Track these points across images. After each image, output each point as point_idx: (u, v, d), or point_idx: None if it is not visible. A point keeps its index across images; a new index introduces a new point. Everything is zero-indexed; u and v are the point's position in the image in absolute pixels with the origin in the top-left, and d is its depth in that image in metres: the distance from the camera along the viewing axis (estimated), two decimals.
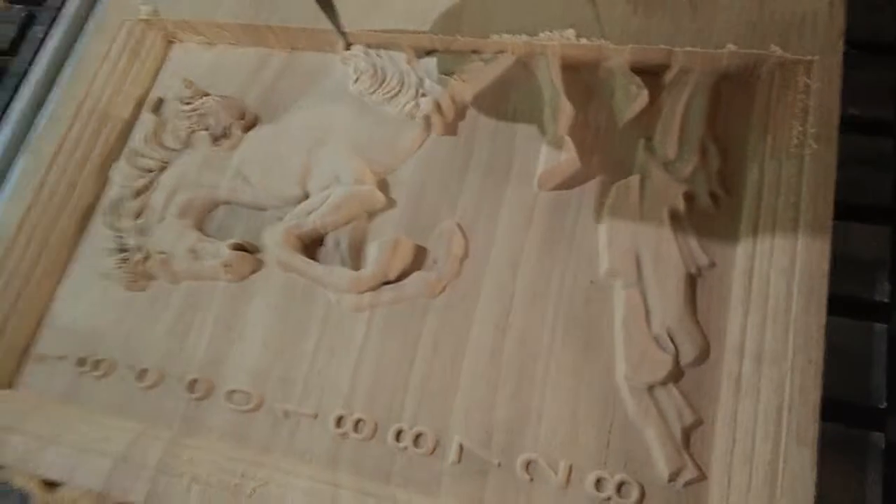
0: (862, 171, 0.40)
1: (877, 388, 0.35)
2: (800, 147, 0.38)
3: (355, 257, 0.44)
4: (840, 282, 0.37)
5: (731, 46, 0.41)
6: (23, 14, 0.63)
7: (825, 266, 0.35)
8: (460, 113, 0.47)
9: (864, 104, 0.42)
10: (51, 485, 0.41)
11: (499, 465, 0.37)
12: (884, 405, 0.35)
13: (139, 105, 0.54)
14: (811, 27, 0.41)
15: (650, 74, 0.44)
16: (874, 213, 0.39)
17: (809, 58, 0.40)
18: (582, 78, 0.45)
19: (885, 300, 0.37)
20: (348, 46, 0.48)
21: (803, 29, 0.41)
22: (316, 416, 0.40)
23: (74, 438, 0.41)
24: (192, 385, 0.42)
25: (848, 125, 0.41)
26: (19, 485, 0.41)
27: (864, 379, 0.36)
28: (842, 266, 0.38)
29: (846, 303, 0.37)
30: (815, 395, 0.33)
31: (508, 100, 0.46)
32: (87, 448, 0.40)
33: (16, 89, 0.59)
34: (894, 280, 0.37)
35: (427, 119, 0.46)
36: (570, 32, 0.44)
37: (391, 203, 0.45)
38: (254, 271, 0.45)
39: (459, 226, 0.43)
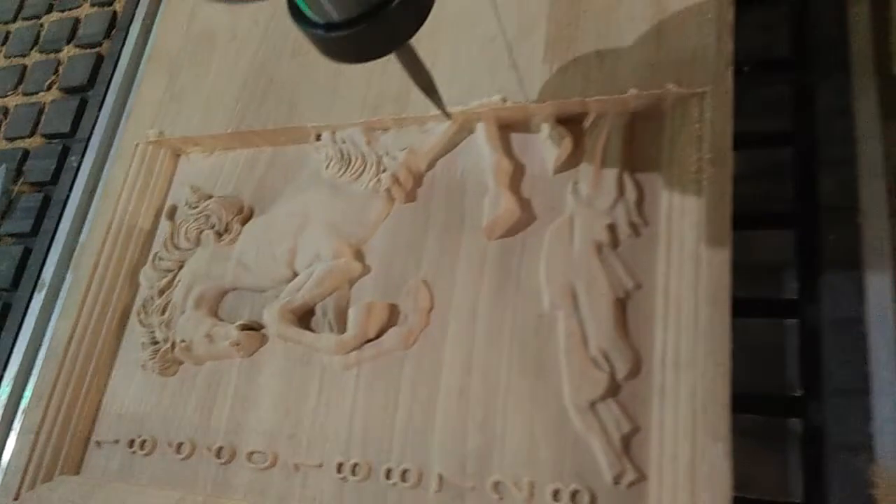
0: (767, 181, 0.44)
1: (792, 378, 0.39)
2: (699, 172, 0.42)
3: (341, 321, 0.50)
4: (752, 286, 0.42)
5: (632, 90, 0.46)
6: (59, 148, 0.73)
7: (726, 278, 0.39)
8: (417, 181, 0.53)
9: (765, 118, 0.46)
10: None
11: (472, 488, 0.42)
12: (799, 393, 0.39)
13: (158, 214, 0.63)
14: (701, 61, 0.45)
15: (574, 123, 0.49)
16: (779, 220, 0.43)
17: (701, 90, 0.44)
18: (517, 134, 0.51)
19: (794, 297, 0.41)
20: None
21: (695, 63, 0.45)
22: (321, 466, 0.47)
23: None
24: (218, 451, 0.50)
25: (754, 140, 0.45)
26: None
27: (780, 371, 0.39)
28: (753, 272, 0.42)
29: (758, 305, 0.41)
30: (724, 394, 0.37)
31: (456, 163, 0.53)
32: None
33: (60, 215, 0.70)
34: (801, 278, 0.41)
35: (389, 191, 0.52)
36: (497, 98, 0.50)
37: (367, 269, 0.52)
38: (261, 346, 0.53)
39: (424, 281, 0.49)
